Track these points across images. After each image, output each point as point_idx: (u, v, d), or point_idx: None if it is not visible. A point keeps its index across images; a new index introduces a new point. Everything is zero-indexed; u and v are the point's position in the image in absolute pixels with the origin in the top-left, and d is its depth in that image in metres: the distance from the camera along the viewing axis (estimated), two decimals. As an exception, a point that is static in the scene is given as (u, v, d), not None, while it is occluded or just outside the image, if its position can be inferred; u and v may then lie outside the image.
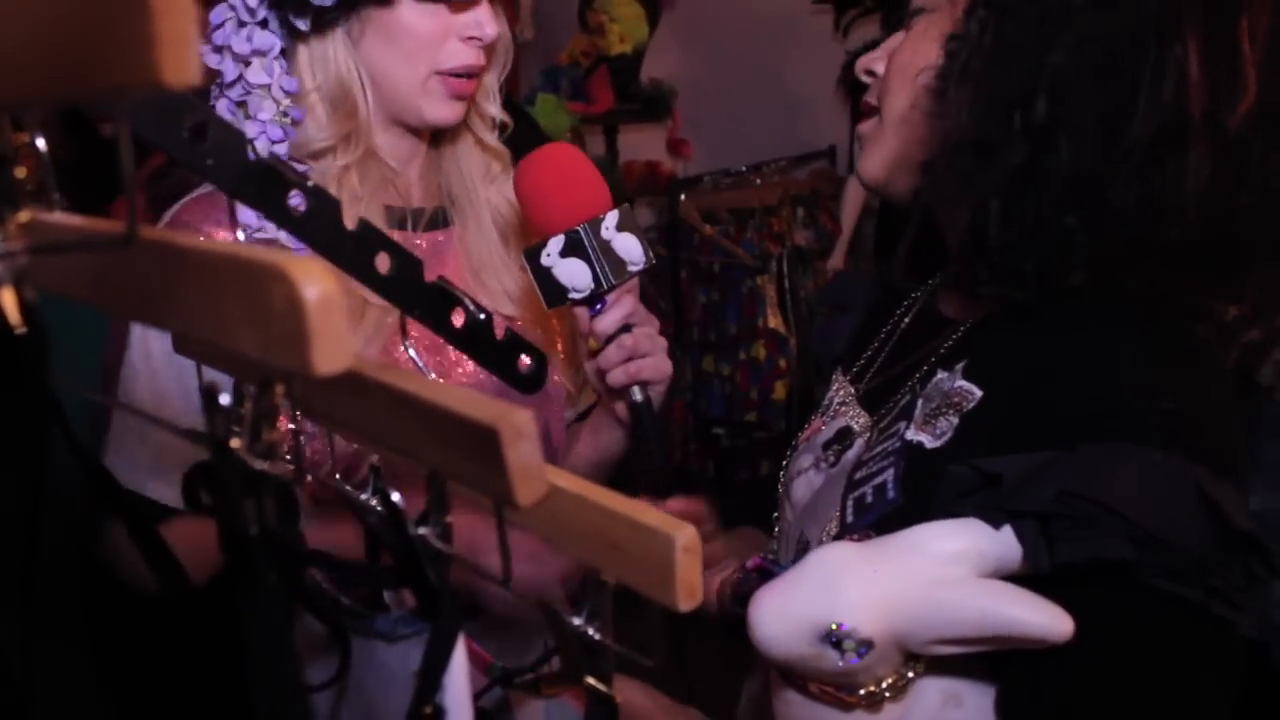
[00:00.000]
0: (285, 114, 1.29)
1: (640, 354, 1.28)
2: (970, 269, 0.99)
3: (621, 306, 1.27)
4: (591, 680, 0.64)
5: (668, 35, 4.94)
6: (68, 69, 0.43)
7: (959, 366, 1.03)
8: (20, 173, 0.53)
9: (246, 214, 1.24)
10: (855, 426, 1.16)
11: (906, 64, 1.08)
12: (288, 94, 1.29)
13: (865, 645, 0.83)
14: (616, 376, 1.28)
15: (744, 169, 4.49)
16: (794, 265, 4.35)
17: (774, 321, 4.31)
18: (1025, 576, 0.84)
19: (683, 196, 4.26)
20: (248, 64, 1.28)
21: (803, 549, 1.10)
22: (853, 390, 1.22)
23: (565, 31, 4.93)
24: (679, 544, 0.56)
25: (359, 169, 1.37)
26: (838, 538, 1.03)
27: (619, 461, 1.50)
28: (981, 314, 1.07)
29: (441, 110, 1.37)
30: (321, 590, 0.73)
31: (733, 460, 4.51)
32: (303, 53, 1.32)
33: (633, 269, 1.25)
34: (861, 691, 0.88)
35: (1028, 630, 0.80)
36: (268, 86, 1.28)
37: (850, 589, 0.84)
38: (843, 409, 1.21)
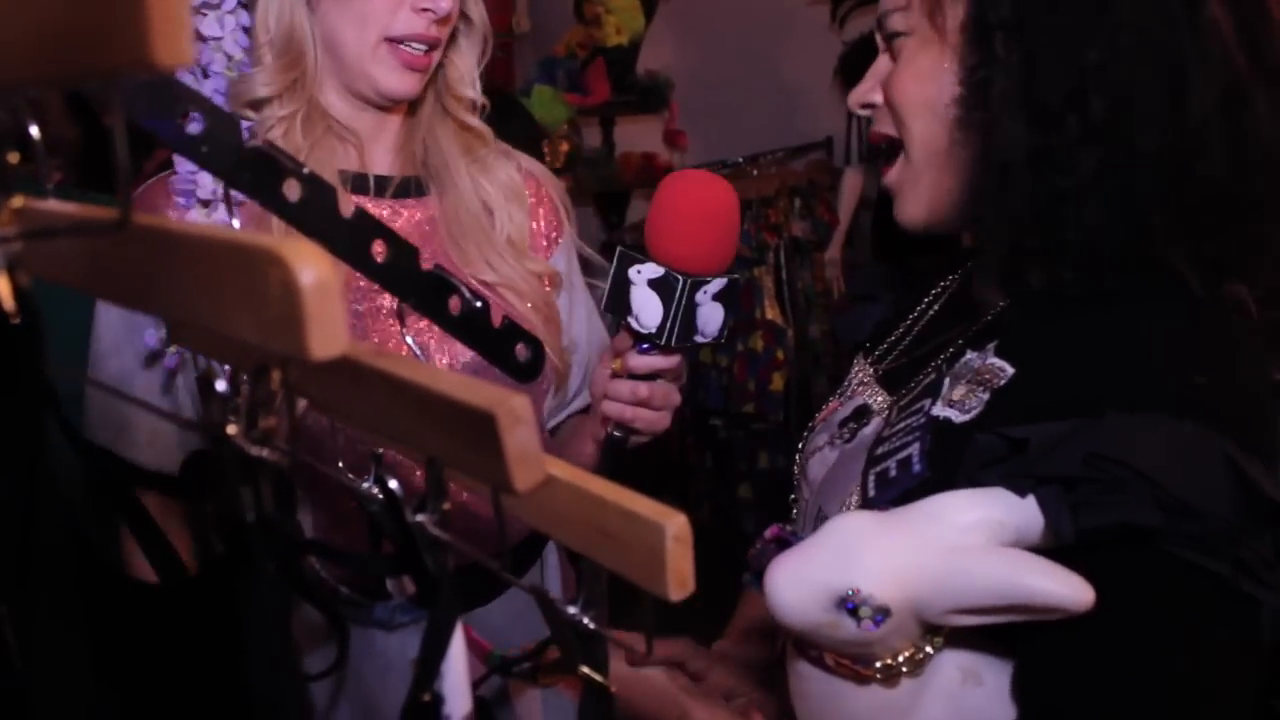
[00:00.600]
0: (235, 69, 1.30)
1: (648, 405, 1.27)
2: (1032, 264, 0.99)
3: (665, 360, 1.26)
4: (586, 670, 0.64)
5: (664, 26, 4.94)
6: (60, 53, 0.43)
7: (990, 346, 1.03)
8: (13, 158, 0.52)
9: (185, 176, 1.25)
10: (873, 405, 1.16)
11: (915, 96, 1.06)
12: (241, 49, 1.30)
13: (881, 612, 0.83)
14: (613, 409, 1.27)
15: (740, 160, 4.49)
16: (791, 256, 4.36)
17: (771, 313, 4.31)
18: (1048, 550, 0.83)
19: (680, 188, 4.25)
20: (203, 16, 1.29)
21: (821, 523, 1.10)
22: (872, 371, 1.22)
23: (561, 23, 4.93)
24: (669, 533, 0.56)
25: (303, 123, 1.37)
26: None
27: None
28: (1014, 296, 1.07)
29: (391, 79, 1.37)
30: (319, 578, 0.73)
31: (730, 451, 4.52)
32: (260, 6, 1.34)
33: (698, 339, 1.21)
34: (878, 664, 0.87)
35: (1047, 599, 0.79)
36: (220, 40, 1.29)
37: (867, 555, 0.84)
38: (861, 389, 1.21)
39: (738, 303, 1.21)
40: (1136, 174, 0.94)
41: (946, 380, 1.04)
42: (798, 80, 4.75)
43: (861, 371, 1.25)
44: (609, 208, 4.96)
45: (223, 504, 0.58)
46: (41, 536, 0.54)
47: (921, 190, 1.08)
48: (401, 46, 1.35)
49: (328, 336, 0.46)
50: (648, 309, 1.19)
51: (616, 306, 1.21)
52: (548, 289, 1.53)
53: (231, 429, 0.57)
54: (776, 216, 4.35)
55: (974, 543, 0.83)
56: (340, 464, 0.70)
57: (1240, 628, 0.87)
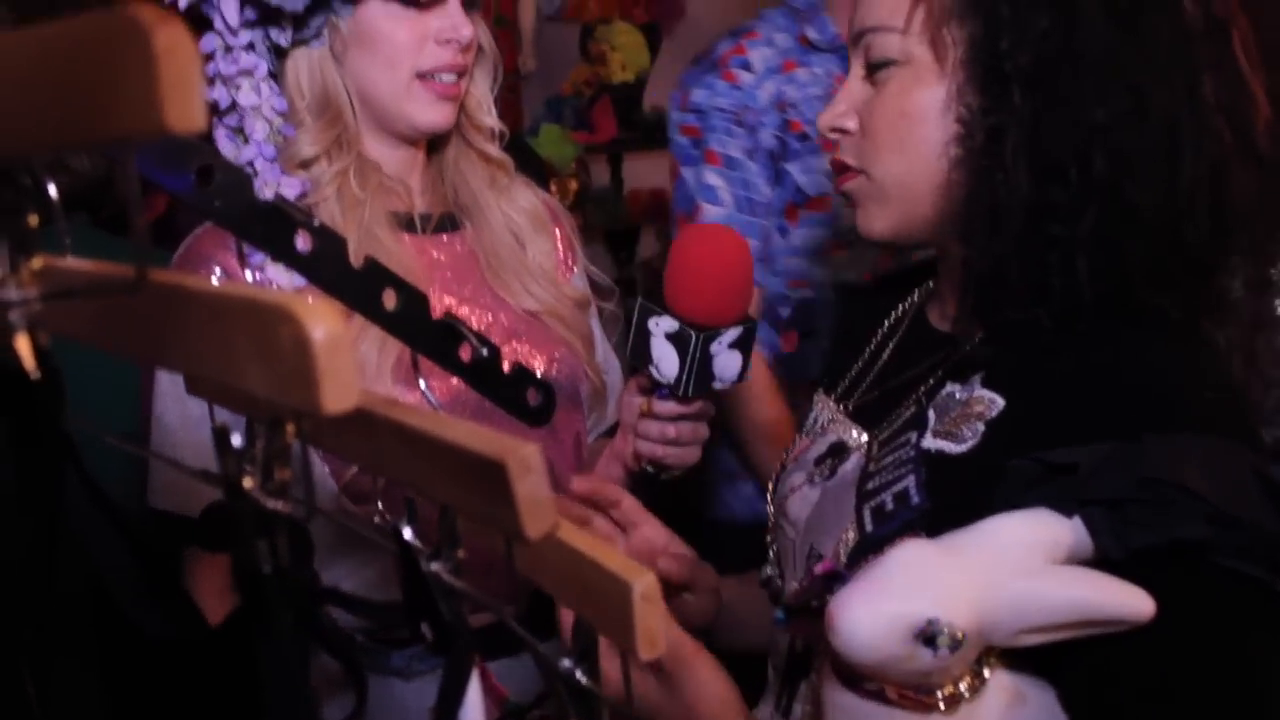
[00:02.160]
0: (278, 132, 1.32)
1: (677, 443, 1.29)
2: (1011, 302, 1.01)
3: (687, 407, 1.28)
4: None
5: (669, 62, 4.96)
6: (74, 118, 0.44)
7: (975, 378, 1.04)
8: (33, 220, 0.53)
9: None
10: (849, 441, 1.16)
11: (903, 132, 1.06)
12: (278, 113, 1.32)
13: (957, 639, 0.83)
14: (644, 447, 1.30)
15: (748, 194, 4.49)
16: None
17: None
18: (1094, 566, 0.85)
19: (688, 222, 4.26)
20: (238, 87, 1.30)
21: (816, 560, 1.10)
22: (839, 408, 1.23)
23: (567, 62, 4.95)
24: (637, 591, 0.56)
25: (356, 176, 1.39)
26: (860, 546, 1.04)
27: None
28: (982, 328, 1.08)
29: (429, 113, 1.40)
30: (337, 627, 0.73)
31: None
32: (290, 71, 1.36)
33: (717, 385, 1.24)
34: (939, 693, 0.87)
35: (1116, 612, 0.81)
36: (258, 107, 1.31)
37: (939, 583, 0.84)
38: (832, 425, 1.21)
39: (751, 341, 1.24)
40: (1129, 230, 0.97)
41: (931, 413, 1.05)
42: (804, 113, 4.76)
43: (826, 408, 1.25)
44: (619, 244, 4.97)
45: (240, 556, 0.59)
46: (61, 587, 0.55)
47: (890, 213, 1.09)
48: (433, 80, 1.38)
49: (340, 391, 0.47)
50: (666, 360, 1.21)
51: (638, 356, 1.24)
52: (580, 311, 1.57)
53: (248, 482, 0.58)
54: (785, 249, 4.36)
55: (1036, 563, 0.85)
56: (381, 508, 0.71)
57: None
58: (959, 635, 0.83)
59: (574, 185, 4.72)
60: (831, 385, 1.28)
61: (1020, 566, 0.84)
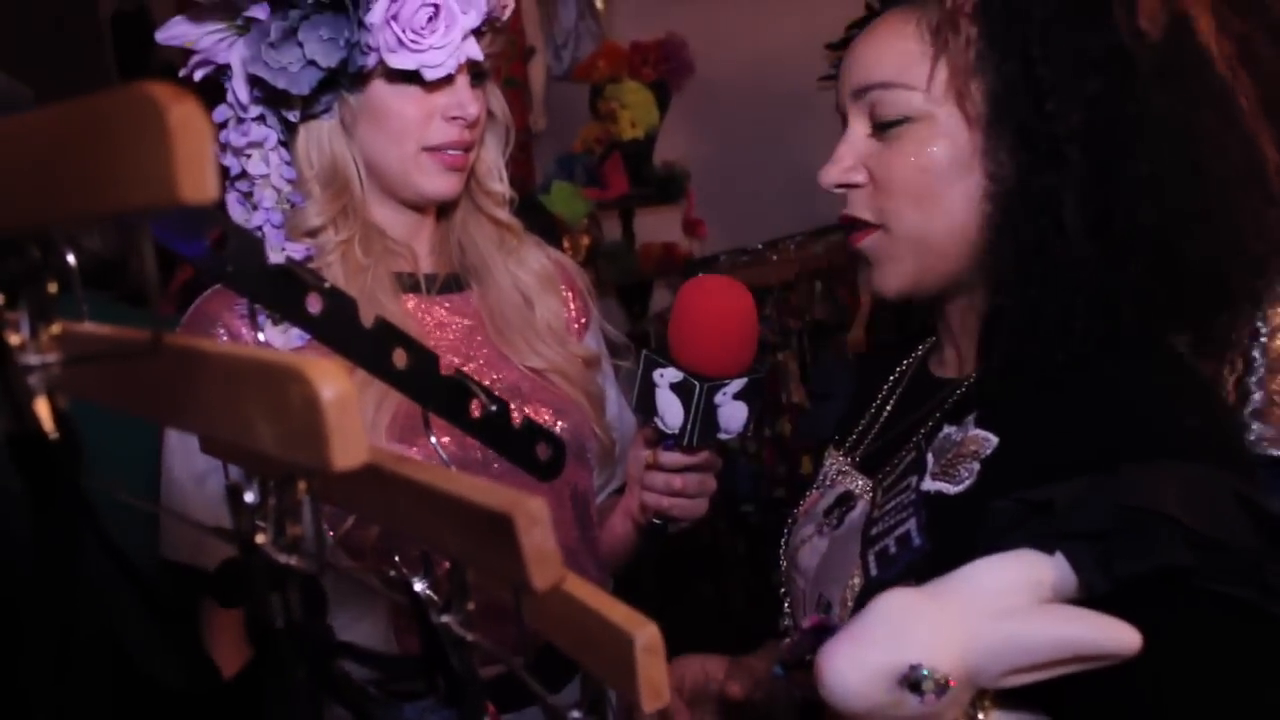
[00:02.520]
0: (286, 199, 1.35)
1: (683, 495, 1.29)
2: (1031, 342, 1.02)
3: (693, 458, 1.29)
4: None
5: (678, 117, 5.01)
6: (91, 190, 0.46)
7: (969, 419, 1.04)
8: (52, 288, 0.55)
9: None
10: (855, 490, 1.17)
11: (921, 186, 1.07)
12: (288, 182, 1.34)
13: (943, 684, 0.83)
14: (650, 499, 1.30)
15: (760, 246, 4.52)
16: (815, 339, 4.37)
17: (798, 396, 4.31)
18: (1081, 603, 0.85)
19: (700, 276, 4.29)
20: (248, 157, 1.33)
21: (826, 609, 1.11)
22: (847, 460, 1.24)
23: (577, 120, 5.01)
24: (639, 643, 0.56)
25: (361, 244, 1.41)
26: (865, 591, 1.05)
27: (629, 553, 1.51)
28: (977, 370, 1.09)
29: (436, 183, 1.42)
30: (350, 680, 0.74)
31: (763, 537, 4.49)
32: (300, 142, 1.38)
33: (722, 436, 1.24)
34: None
35: (1101, 648, 0.81)
36: (267, 176, 1.34)
37: (921, 629, 0.84)
38: (840, 477, 1.22)
39: (761, 398, 1.24)
40: (1174, 276, 0.99)
41: (929, 456, 1.06)
42: (813, 163, 4.69)
43: (836, 462, 1.26)
44: (631, 299, 5.00)
45: (253, 610, 0.60)
46: (78, 641, 0.56)
47: (907, 269, 1.10)
48: (440, 152, 1.40)
49: (349, 448, 0.49)
50: (671, 411, 1.22)
51: (644, 408, 1.25)
52: (589, 370, 1.57)
53: (260, 538, 0.59)
54: (798, 300, 4.37)
55: (1019, 603, 0.85)
56: (399, 561, 0.72)
57: (1277, 649, 0.89)
58: (944, 680, 0.83)
59: (586, 241, 4.76)
60: (842, 440, 1.30)
61: (1002, 608, 0.84)
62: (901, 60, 1.07)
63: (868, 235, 1.13)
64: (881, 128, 1.10)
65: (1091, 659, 0.82)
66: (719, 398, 1.21)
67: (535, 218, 3.81)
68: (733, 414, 1.22)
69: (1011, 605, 0.85)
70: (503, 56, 1.51)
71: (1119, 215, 0.99)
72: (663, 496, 1.29)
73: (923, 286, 1.11)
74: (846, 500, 1.17)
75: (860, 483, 1.18)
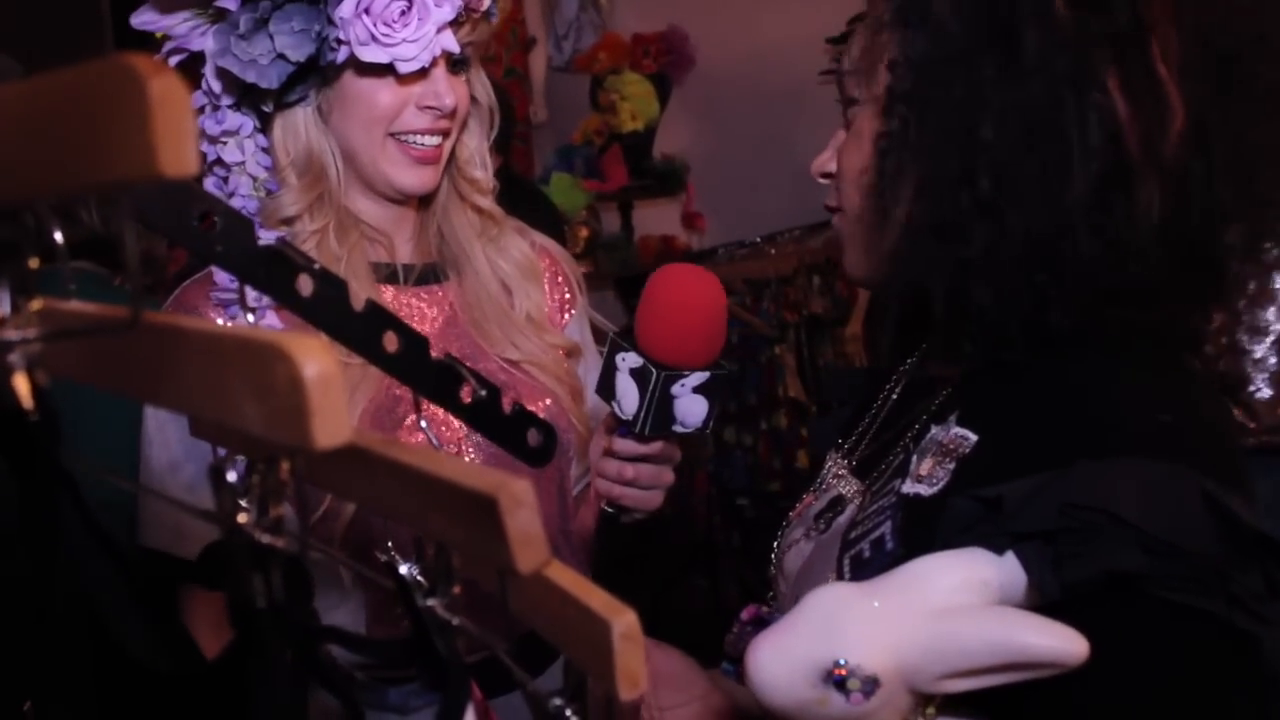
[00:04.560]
0: (263, 188, 1.34)
1: (635, 484, 1.27)
2: (954, 339, 1.00)
3: (646, 447, 1.25)
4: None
5: (678, 110, 5.02)
6: (71, 163, 0.45)
7: (952, 417, 1.03)
8: (33, 263, 0.54)
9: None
10: (846, 494, 1.16)
11: (851, 164, 1.08)
12: (265, 169, 1.34)
13: (871, 683, 0.80)
14: (601, 485, 1.28)
15: (758, 239, 4.52)
16: (812, 333, 4.37)
17: (794, 390, 4.31)
18: (1036, 607, 0.81)
19: (698, 269, 4.29)
20: (223, 144, 1.32)
21: None
22: (844, 463, 1.23)
23: (578, 112, 5.01)
24: (617, 630, 0.56)
25: (336, 233, 1.40)
26: None
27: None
28: (967, 369, 1.08)
29: (406, 176, 1.40)
30: (335, 664, 0.74)
31: (757, 531, 4.49)
32: (276, 130, 1.37)
33: (677, 429, 1.21)
34: None
35: (1041, 654, 0.76)
36: (242, 164, 1.33)
37: (851, 625, 0.81)
38: (835, 481, 1.21)
39: (722, 396, 1.21)
40: (1014, 250, 0.94)
41: (914, 457, 1.04)
42: (812, 157, 4.78)
43: (835, 465, 1.25)
44: (629, 291, 5.00)
45: (236, 592, 0.60)
46: (59, 619, 0.56)
47: (859, 251, 1.10)
48: (407, 143, 1.39)
49: (332, 427, 0.48)
50: (628, 397, 1.19)
51: (605, 390, 1.22)
52: (569, 361, 1.56)
53: (243, 518, 0.59)
54: (796, 294, 4.37)
55: (960, 604, 0.81)
56: (391, 546, 0.71)
57: (1240, 665, 0.84)
58: (871, 678, 0.80)
59: (585, 233, 4.76)
60: (843, 443, 1.28)
61: (942, 608, 0.81)
62: (861, 46, 1.08)
63: (834, 218, 1.14)
64: (845, 111, 1.11)
65: (1036, 666, 0.78)
66: (676, 389, 1.18)
67: (541, 209, 3.82)
68: (690, 408, 1.19)
69: (953, 604, 0.81)
70: (497, 41, 1.50)
71: (959, 184, 0.94)
72: (614, 485, 1.27)
73: (875, 272, 1.10)
74: (837, 504, 1.16)
75: (853, 487, 1.16)
